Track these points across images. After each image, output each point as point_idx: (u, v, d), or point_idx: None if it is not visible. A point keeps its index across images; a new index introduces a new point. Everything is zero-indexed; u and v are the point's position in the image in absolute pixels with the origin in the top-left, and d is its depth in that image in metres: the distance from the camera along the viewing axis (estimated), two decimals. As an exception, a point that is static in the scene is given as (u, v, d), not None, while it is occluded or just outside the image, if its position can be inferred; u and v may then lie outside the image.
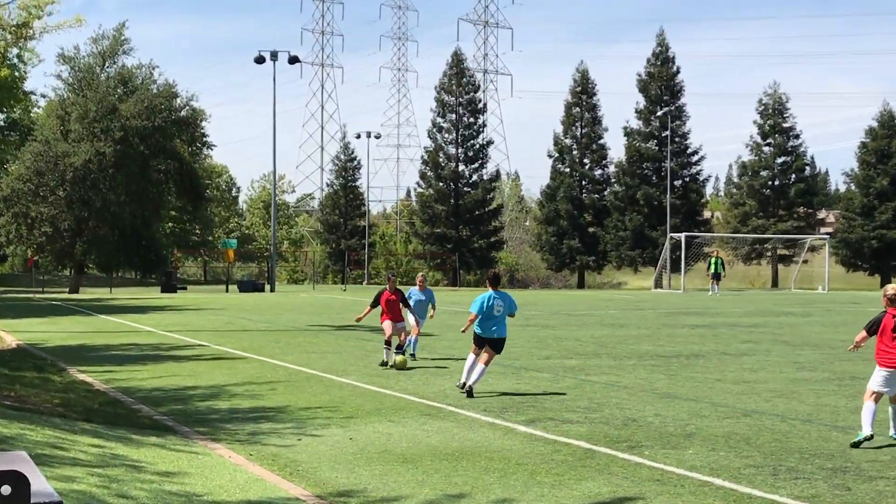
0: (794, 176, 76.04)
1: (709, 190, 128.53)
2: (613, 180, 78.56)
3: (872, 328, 11.73)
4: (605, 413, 13.51)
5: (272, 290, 60.36)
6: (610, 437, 11.79)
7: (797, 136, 76.62)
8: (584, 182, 78.82)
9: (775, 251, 74.58)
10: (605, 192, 78.90)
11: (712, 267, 54.33)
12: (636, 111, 76.75)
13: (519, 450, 11.06)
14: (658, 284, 64.72)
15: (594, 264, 78.29)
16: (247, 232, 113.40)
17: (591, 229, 78.33)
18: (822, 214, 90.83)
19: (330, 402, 14.43)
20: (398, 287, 19.83)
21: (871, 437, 11.14)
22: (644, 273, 78.31)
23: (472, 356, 15.40)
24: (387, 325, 19.15)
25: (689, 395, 15.31)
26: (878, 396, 11.44)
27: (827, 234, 77.43)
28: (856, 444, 11.17)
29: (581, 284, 79.30)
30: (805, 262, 70.35)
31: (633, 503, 8.82)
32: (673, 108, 74.82)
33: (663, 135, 74.23)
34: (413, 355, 19.79)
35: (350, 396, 15.06)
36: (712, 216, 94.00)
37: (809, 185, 77.48)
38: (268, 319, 32.46)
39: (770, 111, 76.13)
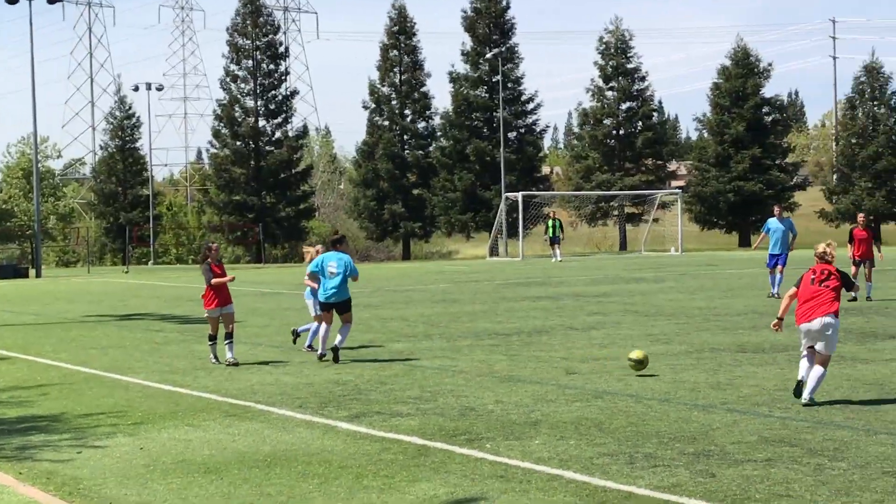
0: (640, 124, 78.00)
1: (547, 142, 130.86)
2: (439, 134, 79.08)
3: (797, 282, 13.50)
4: (440, 403, 13.64)
5: (38, 275, 58.71)
6: (445, 430, 11.91)
7: (643, 79, 78.60)
8: (406, 136, 79.11)
9: (623, 210, 76.47)
10: (431, 148, 79.38)
11: (549, 230, 55.35)
12: (462, 53, 77.37)
13: (342, 451, 11.06)
14: (494, 252, 65.59)
15: (421, 231, 78.79)
16: (4, 207, 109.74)
17: (415, 191, 78.73)
18: (673, 166, 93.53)
19: (115, 407, 14.14)
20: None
21: (802, 381, 13.00)
22: (478, 239, 79.26)
23: (324, 326, 17.60)
24: (212, 316, 17.92)
25: (532, 377, 15.59)
26: (811, 351, 13.08)
27: (679, 188, 79.86)
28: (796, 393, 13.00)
29: (407, 255, 79.71)
30: (656, 220, 72.39)
31: (474, 505, 8.93)
32: (504, 49, 75.70)
33: (494, 80, 75.04)
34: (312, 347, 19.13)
35: (139, 399, 14.79)
36: (552, 172, 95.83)
37: (658, 133, 79.59)
38: (35, 311, 31.58)
39: (612, 50, 77.83)
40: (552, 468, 10.01)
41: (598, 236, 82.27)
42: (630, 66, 77.97)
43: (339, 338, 17.63)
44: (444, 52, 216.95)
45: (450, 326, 23.03)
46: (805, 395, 12.81)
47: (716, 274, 39.47)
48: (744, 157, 75.37)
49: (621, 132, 77.89)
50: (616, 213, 77.30)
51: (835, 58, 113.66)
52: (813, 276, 13.21)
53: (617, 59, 77.65)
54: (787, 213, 29.75)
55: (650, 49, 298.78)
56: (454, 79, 77.51)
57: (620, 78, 77.67)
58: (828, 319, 12.89)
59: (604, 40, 78.16)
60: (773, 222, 28.68)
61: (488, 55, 74.89)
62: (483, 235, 75.01)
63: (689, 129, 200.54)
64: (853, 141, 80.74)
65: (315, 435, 11.92)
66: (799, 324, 13.08)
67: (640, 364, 15.36)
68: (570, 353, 18.07)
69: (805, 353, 13.10)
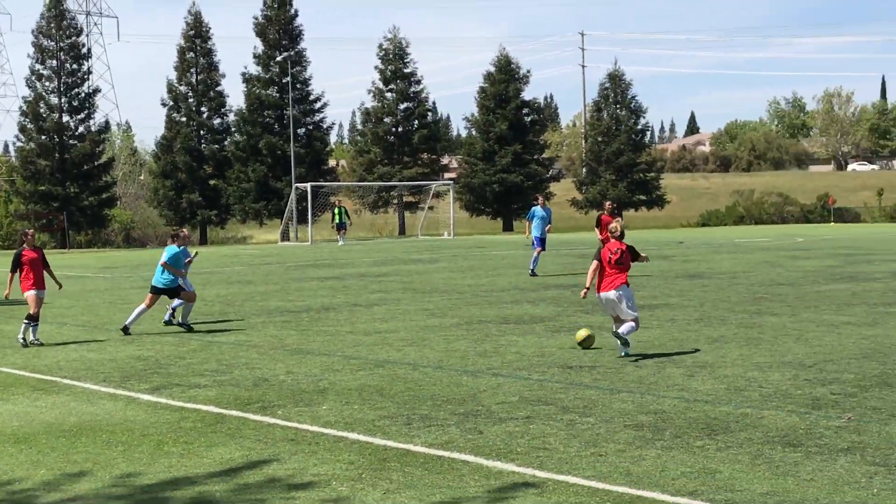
0: (416, 122, 78.51)
1: (333, 138, 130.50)
2: (234, 129, 77.91)
3: (596, 255, 14.41)
4: (235, 374, 13.49)
5: None
6: (240, 399, 11.79)
7: (418, 82, 79.11)
8: (202, 132, 77.63)
9: (401, 198, 76.90)
10: (226, 143, 78.14)
11: (336, 217, 55.25)
12: (255, 56, 76.36)
13: (143, 420, 10.83)
14: (285, 237, 65.08)
15: (217, 219, 77.50)
16: None
17: (212, 182, 77.36)
18: (445, 160, 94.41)
19: (-75, 385, 13.47)
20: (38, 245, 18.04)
21: (615, 335, 14.09)
22: (270, 226, 78.47)
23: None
24: (30, 296, 17.00)
25: (321, 349, 15.57)
26: (615, 319, 14.25)
27: (451, 179, 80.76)
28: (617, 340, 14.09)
29: (203, 240, 78.28)
30: (431, 208, 73.05)
31: (266, 465, 8.88)
32: (293, 52, 75.07)
33: (284, 81, 74.35)
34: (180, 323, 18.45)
35: (-51, 376, 14.12)
36: (338, 165, 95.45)
37: (432, 131, 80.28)
38: None
39: (391, 56, 78.06)
40: (338, 430, 10.03)
41: (379, 222, 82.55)
42: (407, 70, 78.36)
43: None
44: (237, 54, 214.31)
45: (244, 305, 22.78)
46: (616, 332, 14.05)
47: (483, 255, 40.11)
48: (507, 153, 77.00)
49: (400, 129, 78.24)
50: (395, 201, 77.66)
51: (584, 66, 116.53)
52: (610, 255, 14.16)
53: (395, 64, 77.94)
54: (547, 203, 30.23)
55: (425, 55, 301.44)
56: (247, 79, 76.44)
57: (398, 81, 78.00)
58: (619, 291, 14.00)
59: (383, 47, 78.36)
60: (537, 210, 29.32)
61: (278, 58, 74.18)
62: (275, 222, 74.30)
63: (459, 128, 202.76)
64: (599, 139, 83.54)
65: (118, 406, 11.63)
66: (598, 293, 14.23)
67: (587, 341, 15.07)
68: (354, 328, 18.11)
69: (612, 317, 14.43)
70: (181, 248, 18.41)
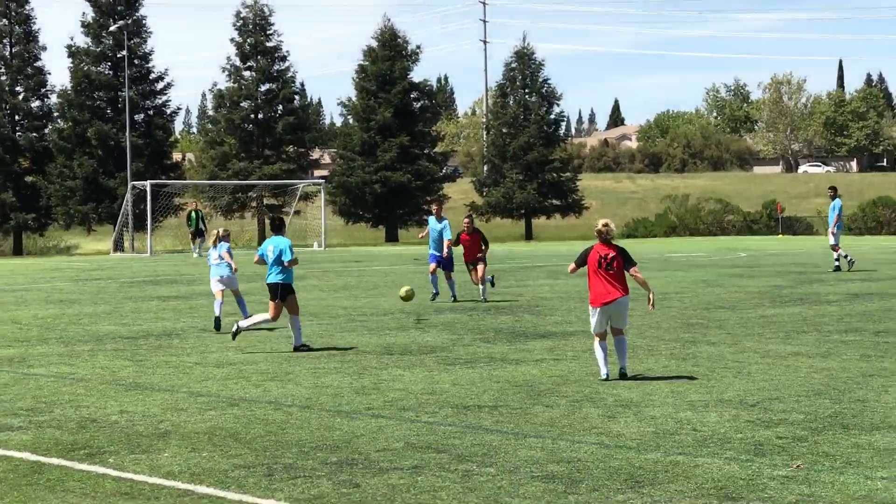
0: (281, 108, 78.38)
1: (179, 126, 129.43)
2: (57, 114, 76.91)
3: (580, 260, 15.29)
4: (56, 414, 13.30)
5: None
6: (63, 444, 11.63)
7: (284, 59, 79.08)
8: (17, 117, 76.46)
9: (262, 201, 76.62)
10: (47, 130, 77.07)
11: (192, 223, 54.85)
12: (83, 25, 75.49)
13: (-60, 472, 10.61)
14: (119, 247, 64.35)
15: (35, 224, 76.34)
16: None
17: (29, 178, 76.23)
18: (316, 154, 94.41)
19: None
20: None
21: (607, 377, 14.87)
22: (101, 233, 77.52)
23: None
24: None
25: (162, 384, 15.43)
26: (602, 335, 15.05)
27: (322, 177, 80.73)
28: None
29: (18, 250, 77.01)
30: (297, 212, 72.94)
31: (95, 527, 8.78)
32: (130, 21, 74.37)
33: (119, 56, 73.61)
34: None
35: None
36: (184, 159, 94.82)
37: (300, 118, 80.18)
38: None
39: (250, 27, 77.83)
40: (183, 483, 9.95)
41: (234, 230, 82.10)
42: (270, 44, 78.27)
43: (253, 320, 19.63)
44: (62, 22, 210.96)
45: (68, 330, 22.46)
46: (623, 368, 15.08)
47: (361, 271, 40.14)
48: (391, 146, 77.03)
49: (260, 116, 78.03)
50: (255, 204, 77.36)
51: (485, 42, 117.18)
52: (600, 258, 14.99)
53: (256, 36, 77.75)
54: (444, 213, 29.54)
55: (292, 27, 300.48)
56: (73, 53, 75.59)
57: (259, 57, 77.83)
58: (624, 299, 15.00)
59: (241, 15, 78.16)
60: (432, 221, 28.78)
61: (112, 27, 73.39)
62: (107, 228, 73.47)
63: (333, 115, 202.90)
64: (504, 130, 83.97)
65: None
66: (598, 305, 14.94)
67: (407, 299, 18.42)
68: (203, 358, 17.98)
69: (598, 343, 15.03)
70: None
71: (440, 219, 28.59)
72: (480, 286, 27.29)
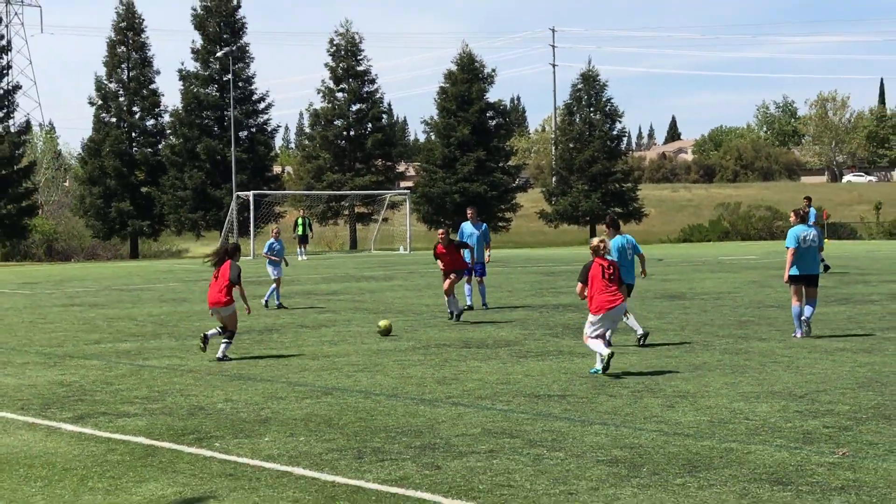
0: (370, 125, 78.53)
1: (278, 142, 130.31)
2: (169, 132, 77.61)
3: (583, 277, 15.26)
4: (168, 402, 13.41)
5: None
6: (174, 429, 11.72)
7: (373, 81, 79.11)
8: (134, 134, 77.28)
9: (353, 209, 76.86)
10: (160, 146, 77.82)
11: (299, 228, 55.17)
12: (192, 51, 76.18)
13: (66, 452, 10.73)
14: (224, 251, 64.72)
15: (149, 230, 77.10)
16: None
17: (144, 189, 76.98)
18: (402, 167, 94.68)
19: None
20: None
21: (611, 355, 14.78)
22: (208, 238, 78.10)
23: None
24: None
25: (262, 375, 15.51)
26: (603, 335, 15.13)
27: (407, 188, 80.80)
28: (602, 371, 14.82)
29: (135, 254, 77.89)
30: (385, 220, 73.08)
31: (202, 503, 8.82)
32: (234, 47, 74.92)
33: (225, 79, 74.24)
34: None
35: None
36: (283, 172, 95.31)
37: (387, 135, 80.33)
38: None
39: (343, 53, 78.08)
40: (282, 465, 9.99)
41: (329, 235, 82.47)
42: (360, 68, 78.40)
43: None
44: (174, 49, 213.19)
45: (179, 325, 22.67)
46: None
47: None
48: (469, 160, 77.09)
49: (352, 133, 78.25)
50: (347, 212, 77.62)
51: (554, 65, 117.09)
52: (603, 269, 15.11)
53: (347, 61, 77.96)
54: (481, 217, 25.14)
55: (380, 52, 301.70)
56: (184, 77, 76.25)
57: (351, 80, 78.03)
58: (623, 304, 15.29)
59: (334, 42, 78.35)
60: (466, 227, 25.12)
61: (219, 54, 73.98)
62: (213, 234, 74.01)
63: (417, 132, 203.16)
64: (571, 145, 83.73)
65: (38, 437, 11.52)
66: (603, 312, 15.02)
67: (386, 333, 18.42)
68: (300, 351, 18.06)
69: (597, 334, 15.13)
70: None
71: (477, 223, 25.32)
72: (446, 297, 22.61)
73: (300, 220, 55.61)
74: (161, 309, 26.77)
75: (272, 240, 27.88)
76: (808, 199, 34.26)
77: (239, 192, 64.68)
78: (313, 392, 13.96)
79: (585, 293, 15.25)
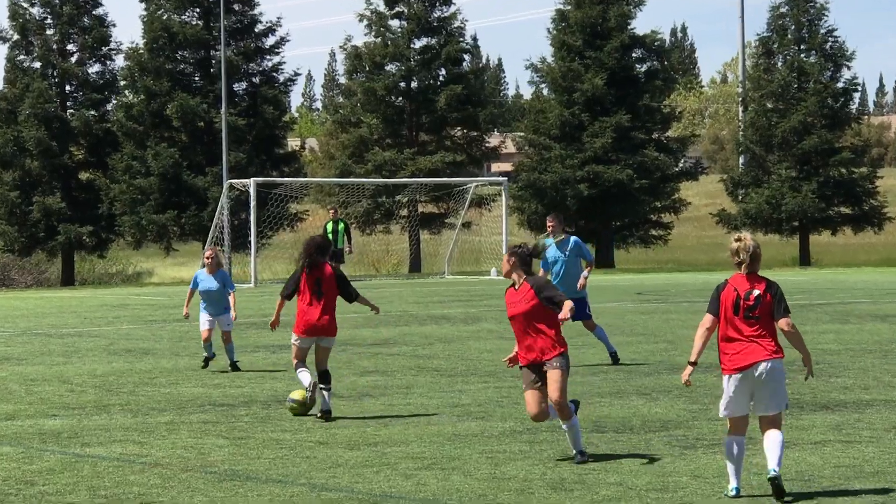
0: (444, 72, 78.75)
1: (296, 100, 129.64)
2: (124, 83, 78.36)
3: (714, 307, 13.95)
4: (120, 515, 13.50)
5: None
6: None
7: (448, 2, 79.26)
8: (69, 88, 78.06)
9: (416, 208, 77.14)
10: (110, 107, 78.73)
11: (330, 237, 54.86)
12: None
13: None
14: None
15: (92, 240, 77.55)
16: None
17: (84, 175, 78.00)
18: (494, 140, 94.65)
19: None
20: None
21: (737, 493, 13.69)
22: (184, 254, 78.78)
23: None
24: None
25: (270, 473, 15.59)
26: (739, 423, 13.86)
27: (504, 174, 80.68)
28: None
29: (69, 279, 78.75)
30: (467, 225, 73.14)
31: None
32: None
33: (211, 0, 74.86)
34: None
35: None
36: (303, 147, 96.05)
37: (472, 88, 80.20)
38: None
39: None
40: None
41: (376, 249, 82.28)
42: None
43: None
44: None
45: (137, 392, 22.83)
46: (772, 468, 13.46)
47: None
48: (604, 128, 76.45)
49: (414, 85, 78.32)
50: (406, 212, 77.60)
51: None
52: (737, 298, 13.70)
53: (407, -30, 78.13)
54: (571, 228, 24.98)
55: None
56: (147, -1, 76.78)
57: (413, 0, 78.11)
58: (778, 364, 13.76)
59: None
60: (549, 251, 25.30)
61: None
62: (192, 248, 74.48)
63: (519, 83, 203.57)
64: (769, 106, 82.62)
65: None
66: (732, 371, 13.78)
67: (302, 406, 19.39)
68: (330, 435, 18.12)
69: (732, 436, 13.85)
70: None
71: (563, 240, 25.76)
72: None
73: (331, 226, 55.25)
74: (110, 366, 26.98)
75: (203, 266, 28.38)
76: None
77: (233, 181, 64.74)
78: (352, 502, 14.02)
79: (707, 333, 14.06)
